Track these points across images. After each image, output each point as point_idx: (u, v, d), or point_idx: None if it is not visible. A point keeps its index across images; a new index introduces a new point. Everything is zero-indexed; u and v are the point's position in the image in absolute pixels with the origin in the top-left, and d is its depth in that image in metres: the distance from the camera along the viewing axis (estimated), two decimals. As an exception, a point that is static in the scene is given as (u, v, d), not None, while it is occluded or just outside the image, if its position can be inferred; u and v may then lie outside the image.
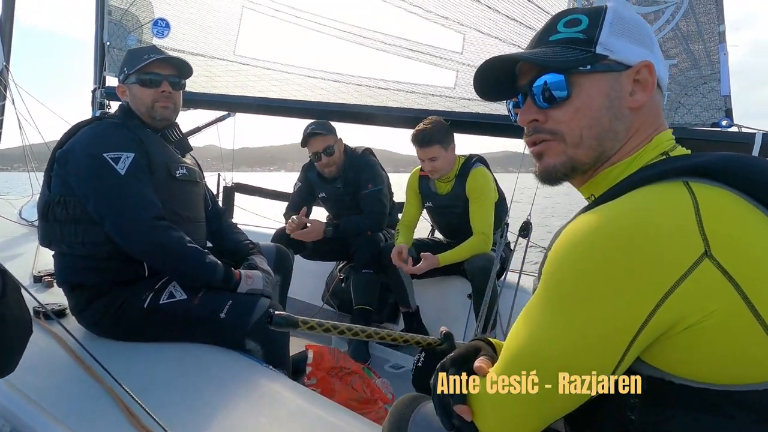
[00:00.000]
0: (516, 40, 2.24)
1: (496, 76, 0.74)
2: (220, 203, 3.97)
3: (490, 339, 0.80)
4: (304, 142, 2.60)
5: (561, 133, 0.67)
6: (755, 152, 1.84)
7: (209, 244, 1.90)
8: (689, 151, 0.65)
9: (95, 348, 1.30)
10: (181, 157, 1.73)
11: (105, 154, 1.47)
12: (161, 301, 1.48)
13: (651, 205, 0.53)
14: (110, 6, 3.34)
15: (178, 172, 1.64)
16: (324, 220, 2.95)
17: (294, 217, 2.53)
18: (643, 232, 0.50)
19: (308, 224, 2.51)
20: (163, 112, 1.65)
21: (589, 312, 0.52)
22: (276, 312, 0.89)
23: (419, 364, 0.94)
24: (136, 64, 1.62)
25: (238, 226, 3.67)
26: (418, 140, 2.25)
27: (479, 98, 2.44)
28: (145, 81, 1.62)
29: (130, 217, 1.45)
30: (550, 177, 0.70)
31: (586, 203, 0.77)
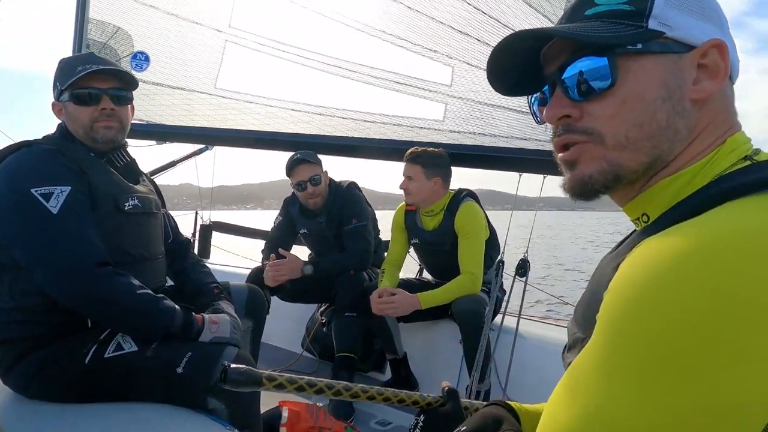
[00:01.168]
0: (506, 72, 2.17)
1: (516, 64, 0.58)
2: (197, 243, 3.78)
3: (509, 402, 0.62)
4: (289, 170, 2.45)
5: (599, 132, 0.51)
6: None
7: (170, 283, 1.68)
8: None
9: (22, 415, 1.07)
10: (132, 184, 1.50)
11: (33, 190, 1.23)
12: (107, 355, 1.25)
13: (753, 227, 0.37)
14: (88, 40, 3.25)
15: (127, 204, 1.42)
16: (305, 258, 2.78)
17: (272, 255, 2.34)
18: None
19: (285, 257, 2.31)
20: (105, 133, 1.41)
21: (700, 383, 0.33)
22: (231, 365, 0.71)
23: (418, 430, 0.75)
24: (68, 77, 1.37)
25: (215, 266, 3.53)
26: (406, 156, 2.19)
27: (469, 131, 2.37)
28: (80, 97, 1.38)
29: (66, 266, 1.22)
30: (584, 190, 0.53)
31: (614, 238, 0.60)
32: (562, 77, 0.53)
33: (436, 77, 2.40)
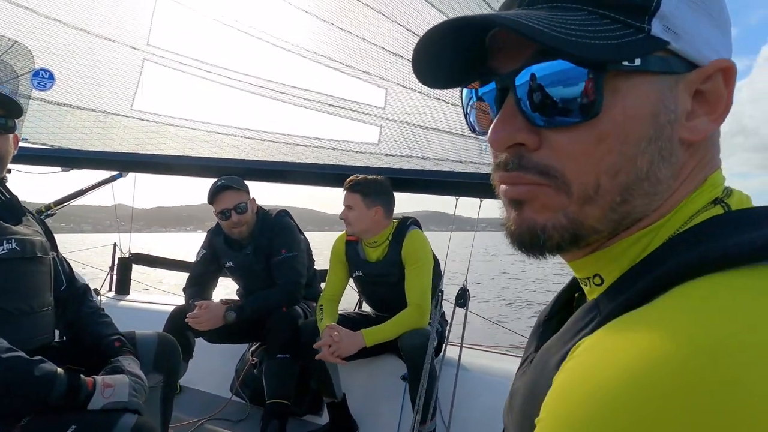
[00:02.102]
0: (440, 94, 2.12)
1: (453, 44, 0.40)
2: (114, 276, 3.42)
3: None
4: (212, 198, 2.24)
5: (563, 176, 0.36)
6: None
7: (58, 338, 1.43)
8: (750, 198, 0.39)
9: None
10: (12, 225, 1.29)
11: None
12: None
13: (748, 321, 0.26)
14: (-20, 53, 2.88)
15: (0, 248, 1.21)
16: (234, 295, 2.55)
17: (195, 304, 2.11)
18: (760, 382, 0.24)
19: (202, 307, 2.08)
20: None
21: None
22: None
23: None
24: None
25: (135, 304, 3.20)
26: (345, 183, 2.06)
27: (404, 154, 2.29)
28: None
29: None
30: (533, 242, 0.39)
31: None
32: (518, 85, 0.37)
33: (370, 99, 2.31)
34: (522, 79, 0.37)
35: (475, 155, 2.10)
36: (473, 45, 0.41)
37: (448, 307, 2.09)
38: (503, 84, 0.39)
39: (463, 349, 2.04)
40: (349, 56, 2.39)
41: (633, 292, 0.33)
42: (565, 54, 0.34)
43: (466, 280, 1.92)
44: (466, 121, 0.46)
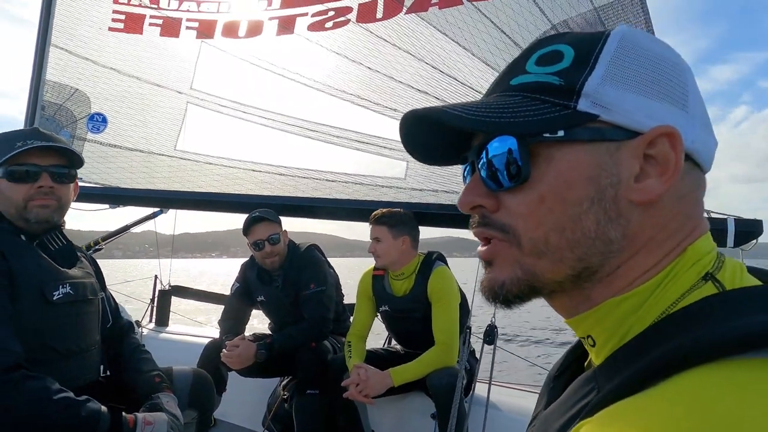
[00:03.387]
0: (466, 130, 2.14)
1: (437, 133, 0.48)
2: (155, 308, 3.55)
3: None
4: (246, 229, 2.32)
5: (515, 232, 0.42)
6: (729, 241, 1.70)
7: (103, 373, 1.50)
8: (744, 270, 0.39)
9: None
10: (66, 269, 1.36)
11: None
12: None
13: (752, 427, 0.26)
14: (44, 101, 3.16)
15: (56, 293, 1.27)
16: (266, 328, 2.59)
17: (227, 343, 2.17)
18: None
19: (236, 346, 2.12)
20: (39, 213, 1.30)
21: None
22: None
23: None
24: (4, 153, 1.27)
25: (173, 336, 3.30)
26: (371, 217, 2.09)
27: (431, 188, 2.30)
28: (16, 174, 1.29)
29: None
30: (497, 297, 0.43)
31: None
32: (478, 160, 0.44)
33: (397, 135, 2.35)
34: (478, 154, 0.44)
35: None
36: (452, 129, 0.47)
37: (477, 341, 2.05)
38: (471, 158, 0.46)
39: (493, 386, 1.98)
40: (377, 94, 2.47)
41: (630, 374, 0.34)
42: (484, 130, 0.41)
43: (494, 316, 1.88)
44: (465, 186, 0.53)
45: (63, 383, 1.17)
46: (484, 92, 0.49)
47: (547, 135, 0.40)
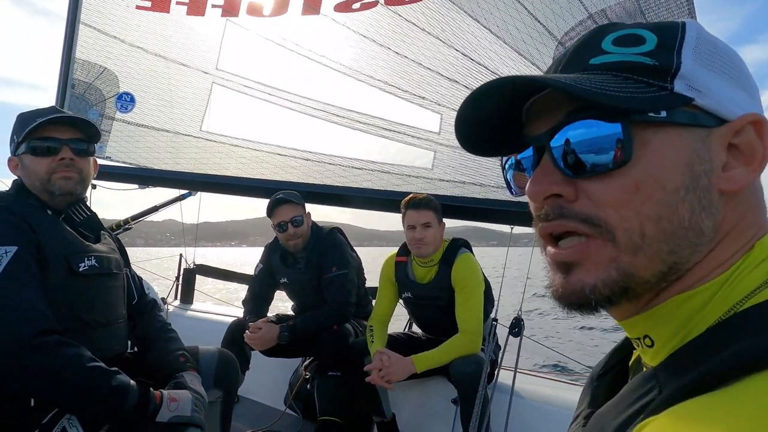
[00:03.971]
0: (496, 121, 2.11)
1: (494, 114, 0.45)
2: (180, 287, 3.64)
3: None
4: (270, 210, 2.35)
5: (608, 224, 0.38)
6: None
7: (132, 350, 1.55)
8: None
9: None
10: (91, 243, 1.40)
11: None
12: None
13: None
14: (74, 80, 3.20)
15: (82, 265, 1.31)
16: (290, 310, 2.65)
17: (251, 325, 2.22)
18: None
19: (259, 328, 2.18)
20: (63, 185, 1.34)
21: None
22: None
23: None
24: (26, 127, 1.31)
25: (197, 313, 3.39)
26: (413, 203, 2.02)
27: (458, 180, 2.29)
28: (38, 149, 1.32)
29: (5, 335, 1.11)
30: (581, 303, 0.40)
31: None
32: (553, 143, 0.40)
33: (425, 124, 2.34)
34: (555, 135, 0.40)
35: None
36: (511, 115, 0.45)
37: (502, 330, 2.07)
38: (539, 143, 0.42)
39: (517, 375, 2.00)
40: (405, 81, 2.44)
41: (699, 373, 0.33)
42: (595, 105, 0.38)
43: (520, 309, 1.89)
44: (506, 183, 0.50)
45: (91, 353, 1.21)
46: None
47: (652, 114, 0.37)
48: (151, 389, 1.26)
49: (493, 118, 0.45)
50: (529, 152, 0.44)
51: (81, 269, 1.31)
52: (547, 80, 0.38)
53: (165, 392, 1.28)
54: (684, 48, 0.39)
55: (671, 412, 0.32)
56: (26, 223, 1.25)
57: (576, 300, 0.40)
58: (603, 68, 0.40)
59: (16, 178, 1.40)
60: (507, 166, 0.49)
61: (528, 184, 0.42)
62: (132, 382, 1.22)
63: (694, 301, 0.38)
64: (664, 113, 0.37)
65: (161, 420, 1.22)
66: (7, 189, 1.39)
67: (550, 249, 0.42)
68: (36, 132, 1.32)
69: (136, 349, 1.59)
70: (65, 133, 1.35)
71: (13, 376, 1.12)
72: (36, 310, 1.15)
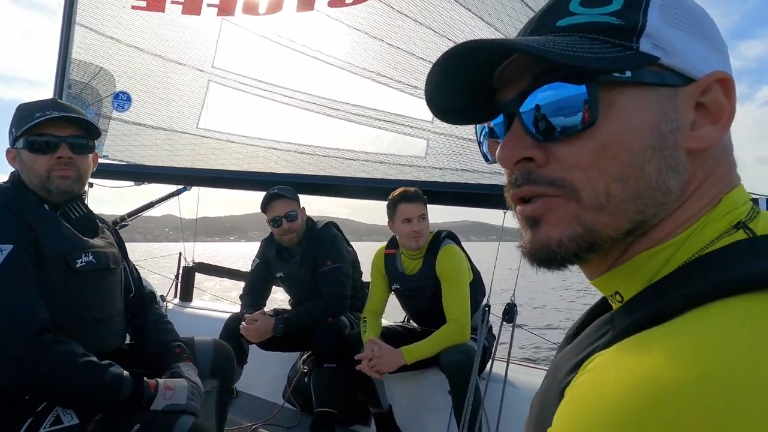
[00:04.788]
0: (488, 107, 2.11)
1: (465, 82, 0.44)
2: (179, 284, 3.65)
3: None
4: (265, 206, 2.35)
5: (573, 185, 0.38)
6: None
7: (128, 341, 1.55)
8: None
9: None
10: (89, 238, 1.40)
11: None
12: (43, 429, 1.11)
13: (754, 353, 0.26)
14: (70, 80, 3.22)
15: (80, 261, 1.31)
16: (287, 304, 2.64)
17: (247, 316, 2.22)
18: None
19: (255, 320, 2.17)
20: (60, 184, 1.33)
21: None
22: None
23: None
24: (24, 123, 1.30)
25: (196, 310, 3.39)
26: (407, 196, 2.03)
27: (451, 167, 2.29)
28: (36, 145, 1.31)
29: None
30: (549, 257, 0.40)
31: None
32: (522, 108, 0.40)
33: (418, 113, 2.34)
34: (525, 100, 0.40)
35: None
36: (480, 83, 0.44)
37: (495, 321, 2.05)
38: (508, 109, 0.42)
39: (511, 365, 1.99)
40: (398, 71, 2.44)
41: (648, 311, 0.33)
42: (560, 67, 0.37)
43: (513, 295, 1.88)
44: (481, 151, 0.50)
45: (88, 349, 1.21)
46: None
47: (617, 75, 0.37)
48: (146, 379, 1.26)
49: (464, 85, 0.45)
50: (500, 119, 0.44)
51: (78, 266, 1.31)
52: (510, 43, 0.38)
53: (161, 381, 1.29)
54: (650, 7, 0.39)
55: (617, 346, 0.32)
56: (24, 221, 1.25)
57: (544, 255, 0.40)
58: (570, 30, 0.40)
59: (13, 170, 1.40)
60: (481, 134, 0.48)
61: (498, 150, 0.42)
62: (125, 373, 1.23)
63: (660, 256, 0.38)
64: (629, 73, 0.37)
65: (156, 408, 1.22)
66: (5, 182, 1.39)
67: (519, 207, 0.43)
68: (34, 128, 1.31)
69: (133, 341, 1.59)
70: (64, 130, 1.35)
71: (6, 377, 1.13)
72: (30, 311, 1.15)
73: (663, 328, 0.31)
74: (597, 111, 0.37)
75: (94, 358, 1.20)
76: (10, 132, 1.38)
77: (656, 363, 0.27)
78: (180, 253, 3.69)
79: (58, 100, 1.42)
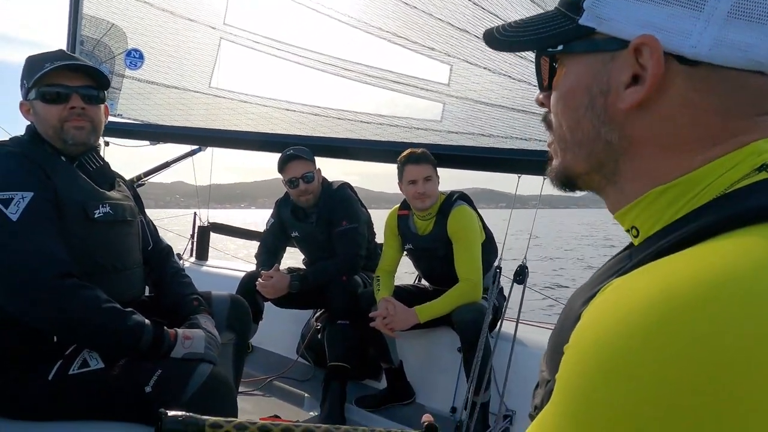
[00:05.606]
0: (507, 70, 2.08)
1: None
2: (194, 244, 3.73)
3: None
4: (281, 166, 2.37)
5: (553, 128, 0.50)
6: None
7: (148, 293, 1.60)
8: None
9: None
10: (105, 190, 1.41)
11: None
12: (71, 371, 1.17)
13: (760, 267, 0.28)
14: (82, 36, 3.19)
15: (97, 211, 1.33)
16: (301, 264, 2.71)
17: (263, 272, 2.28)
18: (754, 317, 0.26)
19: (271, 277, 2.23)
20: (76, 135, 1.33)
21: None
22: (168, 413, 0.63)
23: None
24: (35, 73, 1.29)
25: (212, 269, 3.48)
26: (413, 157, 2.06)
27: (467, 132, 2.27)
28: (48, 95, 1.31)
29: (24, 278, 1.14)
30: (559, 181, 0.51)
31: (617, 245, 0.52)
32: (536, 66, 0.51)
33: (434, 76, 2.31)
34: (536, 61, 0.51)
35: (541, 132, 2.06)
36: None
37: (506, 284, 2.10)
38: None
39: (520, 325, 2.05)
40: (414, 32, 2.39)
41: (668, 240, 0.36)
42: (506, 47, 0.51)
43: (525, 257, 1.91)
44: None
45: (109, 297, 1.24)
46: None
47: (550, 50, 0.46)
48: (166, 328, 1.30)
49: None
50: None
51: (97, 216, 1.33)
52: (484, 38, 0.52)
53: (179, 330, 1.32)
54: None
55: (634, 271, 0.35)
56: (42, 170, 1.26)
57: (554, 178, 0.52)
58: (560, 4, 0.48)
59: (28, 124, 1.40)
60: None
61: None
62: (147, 321, 1.27)
63: (670, 194, 0.41)
64: (560, 47, 0.46)
65: (176, 356, 1.26)
66: (21, 135, 1.40)
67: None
68: (45, 78, 1.31)
69: (152, 294, 1.64)
70: (74, 80, 1.34)
71: (32, 318, 1.17)
72: (53, 254, 1.18)
73: (683, 253, 0.33)
74: (541, 77, 0.49)
75: (118, 305, 1.24)
76: (22, 84, 1.38)
77: (675, 275, 0.29)
78: (195, 213, 3.75)
79: (65, 51, 1.40)
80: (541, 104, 0.53)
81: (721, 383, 0.25)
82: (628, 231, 0.47)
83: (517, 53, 2.05)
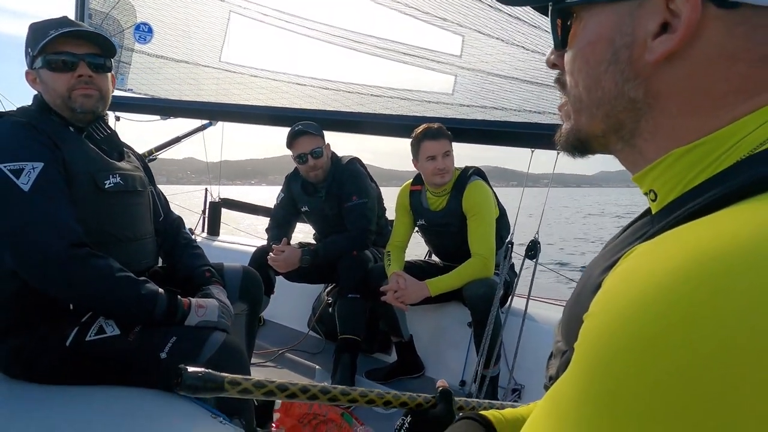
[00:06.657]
0: (520, 41, 2.02)
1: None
2: (206, 219, 3.76)
3: (488, 415, 0.56)
4: (290, 142, 2.36)
5: (566, 88, 0.46)
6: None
7: (161, 264, 1.61)
8: None
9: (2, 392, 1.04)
10: (115, 161, 1.41)
11: (2, 165, 1.16)
12: (88, 338, 1.20)
13: None
14: (91, 9, 3.17)
15: (107, 181, 1.33)
16: (311, 239, 2.72)
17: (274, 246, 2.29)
18: None
19: (282, 251, 2.25)
20: (84, 103, 1.32)
21: None
22: (189, 369, 0.64)
23: None
24: (40, 41, 1.26)
25: (223, 244, 3.52)
26: (431, 133, 2.02)
27: (479, 105, 2.23)
28: (54, 63, 1.28)
29: (38, 247, 1.15)
30: (568, 145, 0.48)
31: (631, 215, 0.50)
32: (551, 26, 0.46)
33: (446, 47, 2.26)
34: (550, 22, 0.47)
35: (555, 105, 2.01)
36: None
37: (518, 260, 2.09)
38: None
39: (531, 301, 2.05)
40: (426, 2, 2.33)
41: (693, 204, 0.34)
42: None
43: (537, 232, 1.90)
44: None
45: (123, 266, 1.25)
46: None
47: (568, 0, 0.42)
48: (179, 297, 1.31)
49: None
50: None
51: (107, 186, 1.32)
52: None
53: (193, 300, 1.34)
54: None
55: (658, 237, 0.33)
56: (51, 140, 1.25)
57: (564, 142, 0.48)
58: None
59: (35, 93, 1.39)
60: None
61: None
62: (161, 290, 1.28)
63: (691, 155, 0.38)
64: None
65: (190, 324, 1.28)
66: (29, 105, 1.39)
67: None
68: (50, 46, 1.29)
69: (164, 264, 1.66)
70: (80, 47, 1.32)
71: (47, 287, 1.18)
72: (66, 224, 1.18)
73: (709, 217, 0.31)
74: (560, 32, 0.44)
75: (131, 273, 1.25)
76: (27, 53, 1.35)
77: (704, 240, 0.28)
78: (206, 189, 3.78)
79: (69, 18, 1.37)
80: (553, 65, 0.49)
81: None
82: (646, 194, 0.44)
83: (531, 23, 1.99)
